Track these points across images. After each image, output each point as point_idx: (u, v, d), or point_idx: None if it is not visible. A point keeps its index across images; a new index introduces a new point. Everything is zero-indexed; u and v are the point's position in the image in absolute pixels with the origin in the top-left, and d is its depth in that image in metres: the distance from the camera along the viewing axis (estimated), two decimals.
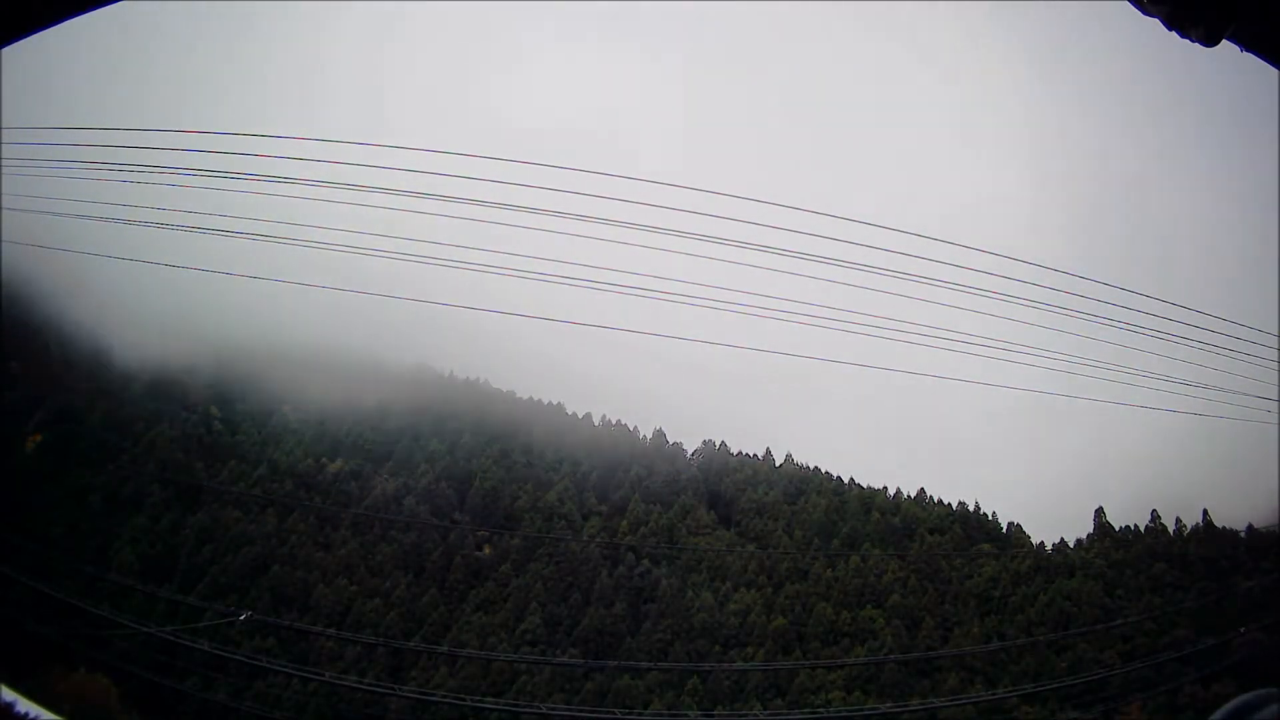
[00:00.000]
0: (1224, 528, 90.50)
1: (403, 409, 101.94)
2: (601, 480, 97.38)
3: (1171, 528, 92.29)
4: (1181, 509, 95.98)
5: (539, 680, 71.13)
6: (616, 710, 63.22)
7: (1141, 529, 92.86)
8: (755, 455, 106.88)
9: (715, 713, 68.91)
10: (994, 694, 61.85)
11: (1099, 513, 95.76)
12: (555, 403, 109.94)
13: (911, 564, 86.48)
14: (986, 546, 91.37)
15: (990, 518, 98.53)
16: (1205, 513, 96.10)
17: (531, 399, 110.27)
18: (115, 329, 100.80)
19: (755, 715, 67.50)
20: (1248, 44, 2.40)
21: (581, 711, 60.63)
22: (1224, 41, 2.33)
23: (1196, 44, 2.30)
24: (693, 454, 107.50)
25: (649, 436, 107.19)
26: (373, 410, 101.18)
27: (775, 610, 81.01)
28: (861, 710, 62.49)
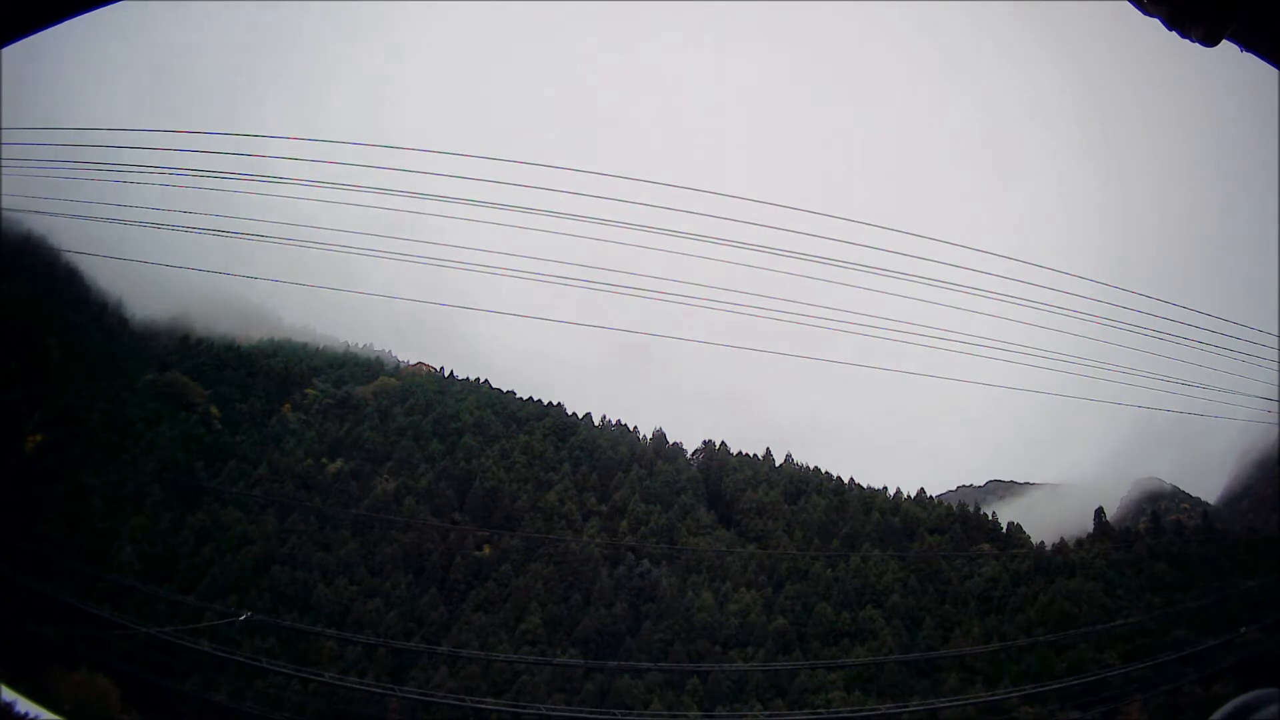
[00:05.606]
0: (1223, 528, 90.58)
1: (403, 409, 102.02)
2: (601, 480, 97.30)
3: (1171, 528, 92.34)
4: (1180, 509, 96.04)
5: (539, 680, 71.08)
6: (616, 710, 63.18)
7: (1141, 529, 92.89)
8: (755, 455, 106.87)
9: (715, 713, 68.85)
10: (994, 694, 61.76)
11: (1099, 513, 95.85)
12: (555, 403, 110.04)
13: (911, 564, 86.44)
14: (986, 546, 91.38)
15: (990, 518, 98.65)
16: (1205, 513, 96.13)
17: (532, 399, 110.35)
18: (116, 327, 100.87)
19: (755, 715, 67.45)
20: (1248, 44, 2.40)
21: (581, 712, 60.56)
22: (1224, 41, 2.33)
23: (1196, 44, 2.30)
24: (693, 454, 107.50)
25: (649, 436, 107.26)
26: (373, 410, 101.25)
27: (775, 610, 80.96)
28: (861, 710, 62.40)
